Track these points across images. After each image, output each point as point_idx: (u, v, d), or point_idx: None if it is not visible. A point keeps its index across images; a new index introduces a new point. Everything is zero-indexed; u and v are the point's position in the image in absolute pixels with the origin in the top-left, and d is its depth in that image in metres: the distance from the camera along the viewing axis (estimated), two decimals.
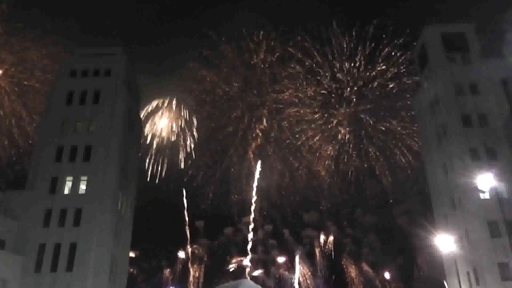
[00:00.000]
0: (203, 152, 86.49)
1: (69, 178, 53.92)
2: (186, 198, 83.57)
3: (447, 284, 53.70)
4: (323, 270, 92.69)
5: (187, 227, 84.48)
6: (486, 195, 49.97)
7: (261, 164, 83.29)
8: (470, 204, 51.46)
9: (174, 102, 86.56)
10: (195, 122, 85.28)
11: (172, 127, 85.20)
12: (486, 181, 38.20)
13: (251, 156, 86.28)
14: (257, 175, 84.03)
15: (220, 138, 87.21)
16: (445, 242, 44.14)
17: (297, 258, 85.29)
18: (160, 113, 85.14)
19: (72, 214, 51.52)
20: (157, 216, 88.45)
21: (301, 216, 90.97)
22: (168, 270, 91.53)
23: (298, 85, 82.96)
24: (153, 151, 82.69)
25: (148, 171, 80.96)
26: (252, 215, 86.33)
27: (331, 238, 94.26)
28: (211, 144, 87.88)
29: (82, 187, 53.57)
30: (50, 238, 50.00)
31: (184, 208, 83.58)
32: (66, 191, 53.37)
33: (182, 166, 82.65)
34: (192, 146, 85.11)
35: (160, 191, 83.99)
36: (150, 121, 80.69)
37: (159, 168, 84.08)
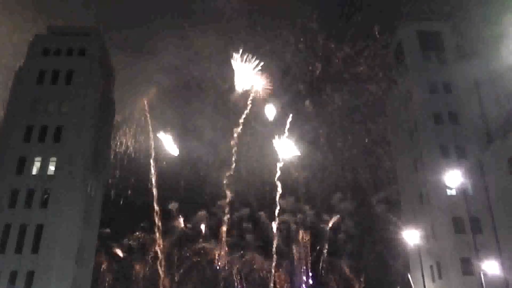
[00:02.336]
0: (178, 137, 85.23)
1: (38, 158, 52.82)
2: (156, 187, 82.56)
3: (410, 276, 54.95)
4: (300, 260, 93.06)
5: (157, 222, 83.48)
6: (452, 192, 51.20)
7: (237, 150, 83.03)
8: (437, 200, 52.69)
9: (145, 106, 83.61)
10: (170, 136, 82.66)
11: (138, 142, 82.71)
12: (454, 178, 39.08)
13: (232, 142, 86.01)
14: (233, 162, 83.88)
15: (198, 124, 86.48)
16: (410, 236, 45.06)
17: (274, 244, 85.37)
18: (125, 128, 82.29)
19: (40, 195, 50.61)
20: (127, 201, 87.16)
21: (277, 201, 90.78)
22: (138, 265, 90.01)
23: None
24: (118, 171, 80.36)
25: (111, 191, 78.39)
26: (228, 199, 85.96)
27: (306, 237, 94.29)
28: (186, 130, 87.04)
29: (51, 168, 52.55)
30: (16, 219, 49.01)
31: (154, 199, 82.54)
32: (34, 172, 52.28)
33: (154, 186, 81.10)
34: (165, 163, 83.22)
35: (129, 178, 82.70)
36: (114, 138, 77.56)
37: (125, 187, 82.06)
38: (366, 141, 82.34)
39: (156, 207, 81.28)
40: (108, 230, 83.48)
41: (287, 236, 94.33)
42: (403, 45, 63.53)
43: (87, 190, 56.02)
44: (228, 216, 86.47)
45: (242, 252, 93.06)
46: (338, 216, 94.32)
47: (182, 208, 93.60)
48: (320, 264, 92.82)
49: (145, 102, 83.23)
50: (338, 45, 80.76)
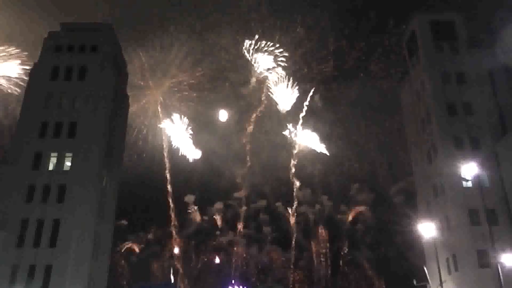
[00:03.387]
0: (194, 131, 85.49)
1: (54, 154, 53.42)
2: (170, 183, 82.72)
3: (426, 269, 54.73)
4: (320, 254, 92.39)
5: (173, 220, 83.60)
6: (468, 184, 50.81)
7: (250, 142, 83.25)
8: (452, 192, 52.34)
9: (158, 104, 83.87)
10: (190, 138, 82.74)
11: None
12: (469, 170, 38.84)
13: (245, 135, 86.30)
14: (248, 155, 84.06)
15: (212, 117, 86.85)
16: (426, 228, 44.87)
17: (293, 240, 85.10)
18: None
19: (56, 190, 51.15)
20: (142, 197, 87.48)
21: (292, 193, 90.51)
22: (156, 265, 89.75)
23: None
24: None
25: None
26: (244, 191, 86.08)
27: (325, 234, 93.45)
28: (200, 123, 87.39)
29: (67, 163, 53.14)
30: (33, 213, 49.60)
31: (169, 194, 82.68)
32: (51, 167, 52.91)
33: (168, 182, 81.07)
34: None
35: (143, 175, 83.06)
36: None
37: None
38: (380, 133, 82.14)
39: (172, 204, 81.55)
40: (125, 222, 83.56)
41: (305, 228, 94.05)
42: (416, 36, 62.96)
43: (102, 185, 56.52)
44: (245, 208, 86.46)
45: (259, 245, 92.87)
46: (361, 208, 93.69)
47: (198, 201, 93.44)
48: (340, 259, 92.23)
49: (159, 97, 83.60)
50: (351, 40, 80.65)
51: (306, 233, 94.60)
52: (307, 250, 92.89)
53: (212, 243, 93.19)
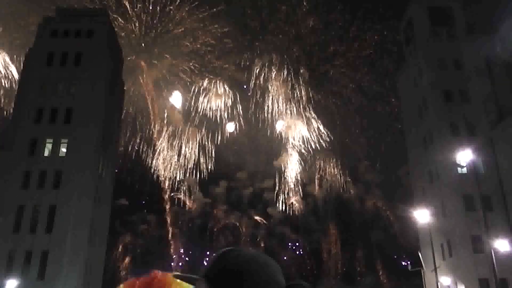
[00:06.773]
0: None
1: (49, 140, 53.33)
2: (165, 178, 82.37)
3: (421, 254, 55.14)
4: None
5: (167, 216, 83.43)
6: (463, 170, 50.98)
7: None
8: (447, 178, 52.53)
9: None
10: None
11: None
12: (464, 156, 38.92)
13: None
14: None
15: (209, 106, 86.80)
16: (421, 214, 45.10)
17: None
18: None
19: (52, 176, 51.19)
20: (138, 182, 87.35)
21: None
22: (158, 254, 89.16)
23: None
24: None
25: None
26: (247, 172, 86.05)
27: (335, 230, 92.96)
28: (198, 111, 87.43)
29: (63, 149, 53.08)
30: (29, 200, 49.66)
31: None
32: (46, 153, 52.88)
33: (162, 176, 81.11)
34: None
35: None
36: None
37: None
38: (379, 120, 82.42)
39: (167, 207, 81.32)
40: (125, 202, 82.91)
41: (314, 208, 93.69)
42: (413, 22, 62.71)
43: (98, 171, 56.51)
44: (250, 188, 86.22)
45: (266, 226, 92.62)
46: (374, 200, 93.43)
47: (199, 183, 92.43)
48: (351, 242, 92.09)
49: (149, 83, 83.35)
50: (350, 27, 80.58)
51: (315, 213, 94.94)
52: (318, 231, 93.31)
53: (215, 228, 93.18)
